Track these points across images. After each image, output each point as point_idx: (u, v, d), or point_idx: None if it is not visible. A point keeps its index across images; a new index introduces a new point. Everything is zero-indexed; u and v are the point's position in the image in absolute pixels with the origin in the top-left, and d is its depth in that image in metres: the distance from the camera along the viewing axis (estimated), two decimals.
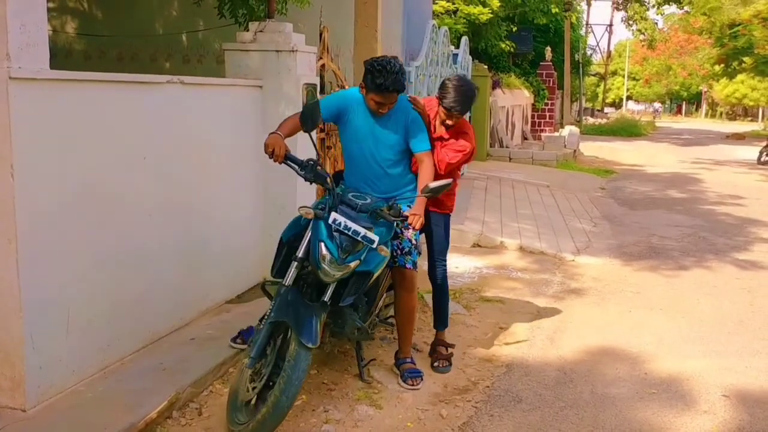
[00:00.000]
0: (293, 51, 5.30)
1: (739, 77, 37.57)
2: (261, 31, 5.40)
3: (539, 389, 4.09)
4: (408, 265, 4.06)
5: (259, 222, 5.38)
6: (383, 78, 3.76)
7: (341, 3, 6.56)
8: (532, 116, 22.94)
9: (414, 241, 4.07)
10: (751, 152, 20.83)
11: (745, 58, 21.10)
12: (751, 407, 3.93)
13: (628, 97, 68.47)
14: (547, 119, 23.17)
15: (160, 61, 7.50)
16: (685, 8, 21.22)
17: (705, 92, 61.39)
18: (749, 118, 56.41)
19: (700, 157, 20.25)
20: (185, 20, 7.25)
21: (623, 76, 65.16)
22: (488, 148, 16.24)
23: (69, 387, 3.53)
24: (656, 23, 28.25)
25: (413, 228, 3.80)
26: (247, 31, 5.44)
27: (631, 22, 27.39)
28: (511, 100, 19.31)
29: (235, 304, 5.09)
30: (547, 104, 22.94)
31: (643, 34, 27.81)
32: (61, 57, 7.78)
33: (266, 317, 3.52)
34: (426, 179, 3.91)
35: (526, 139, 21.66)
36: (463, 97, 4.06)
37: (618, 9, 27.33)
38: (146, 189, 4.07)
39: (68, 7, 7.83)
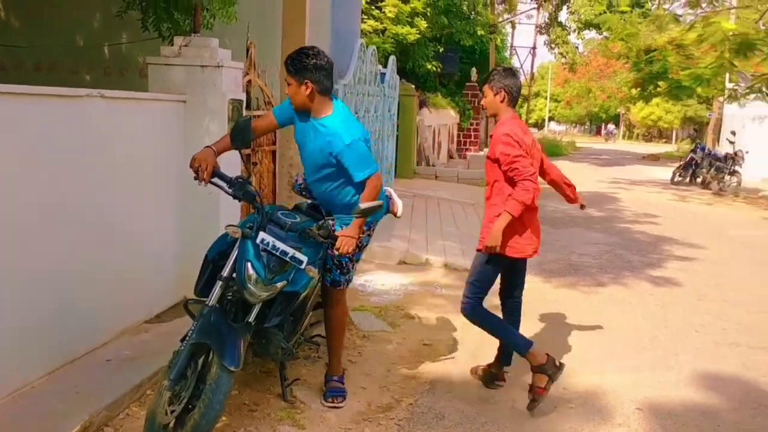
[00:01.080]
0: (219, 66, 5.25)
1: (655, 100, 39.23)
2: (186, 46, 5.32)
3: (462, 406, 4.14)
4: (327, 281, 4.07)
5: (181, 240, 5.28)
6: (289, 57, 3.81)
7: (269, 20, 6.55)
8: (458, 135, 23.32)
9: (338, 261, 4.01)
10: (665, 173, 21.75)
11: (660, 83, 21.96)
12: (662, 419, 4.09)
13: (550, 118, 70.47)
14: (473, 139, 23.59)
15: (80, 73, 7.28)
16: (605, 33, 22.01)
17: (623, 114, 63.70)
18: (664, 140, 58.83)
19: (618, 177, 21.00)
20: (108, 32, 7.09)
21: (546, 98, 67.03)
22: (415, 166, 16.43)
23: None
24: (577, 47, 29.30)
25: (338, 251, 3.72)
26: (172, 45, 5.36)
27: (553, 46, 28.31)
28: (438, 119, 19.59)
29: (154, 324, 4.96)
30: (472, 124, 23.36)
31: (565, 57, 28.77)
32: None
33: (187, 338, 3.44)
34: (364, 200, 3.82)
35: (452, 157, 21.99)
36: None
37: (541, 33, 28.21)
38: (61, 205, 3.94)
39: None
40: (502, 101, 4.15)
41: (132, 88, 5.58)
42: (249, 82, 6.22)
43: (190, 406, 3.28)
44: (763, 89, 16.69)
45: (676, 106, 43.96)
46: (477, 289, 4.29)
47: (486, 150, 20.28)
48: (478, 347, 5.18)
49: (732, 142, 19.17)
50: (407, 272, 7.34)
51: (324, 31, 7.08)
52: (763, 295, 7.12)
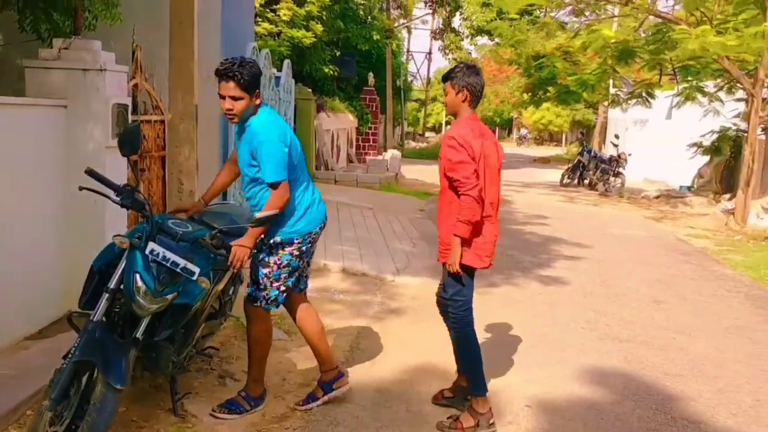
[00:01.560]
0: (102, 70, 5.06)
1: (545, 105, 40.79)
2: (66, 48, 5.10)
3: (357, 411, 4.15)
4: (246, 294, 4.06)
5: (65, 250, 5.04)
6: (221, 64, 3.71)
7: (156, 22, 6.36)
8: (357, 140, 23.41)
9: (254, 276, 3.97)
10: (555, 175, 22.60)
11: (549, 88, 22.80)
12: (550, 415, 4.24)
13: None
14: (371, 143, 23.75)
15: None
16: (496, 40, 22.67)
17: (516, 118, 65.80)
18: (554, 143, 61.15)
19: (510, 180, 21.62)
20: None
21: (443, 102, 68.27)
22: (314, 170, 16.37)
23: None
24: (470, 53, 30.03)
25: (231, 263, 3.65)
26: (51, 48, 5.12)
27: (447, 51, 28.90)
28: (336, 123, 19.60)
29: (35, 339, 4.72)
30: (371, 128, 23.51)
31: (457, 62, 29.39)
32: None
33: (70, 355, 3.28)
34: (267, 208, 3.75)
35: (351, 162, 22.05)
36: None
37: (435, 38, 28.75)
38: None
39: None
40: (464, 100, 3.94)
41: (11, 93, 5.29)
42: (136, 86, 6.03)
43: (73, 427, 3.13)
44: (643, 94, 17.66)
45: (566, 110, 45.84)
46: (462, 303, 4.06)
47: (391, 153, 20.50)
48: (374, 352, 5.22)
49: (615, 145, 20.15)
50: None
51: (214, 34, 6.96)
52: (642, 291, 7.53)
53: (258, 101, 3.78)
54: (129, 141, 3.49)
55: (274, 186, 3.72)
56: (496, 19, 16.80)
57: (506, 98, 56.72)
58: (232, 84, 3.64)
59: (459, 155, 3.81)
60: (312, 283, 7.30)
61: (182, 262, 3.37)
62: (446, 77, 4.00)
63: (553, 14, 15.02)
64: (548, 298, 7.07)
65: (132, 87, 5.93)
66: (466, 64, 4.06)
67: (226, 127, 7.67)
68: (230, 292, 4.64)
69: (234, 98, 3.68)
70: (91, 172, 3.49)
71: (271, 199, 3.74)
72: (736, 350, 5.72)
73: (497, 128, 76.10)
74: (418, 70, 38.00)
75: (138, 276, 3.29)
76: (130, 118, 5.64)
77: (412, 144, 38.65)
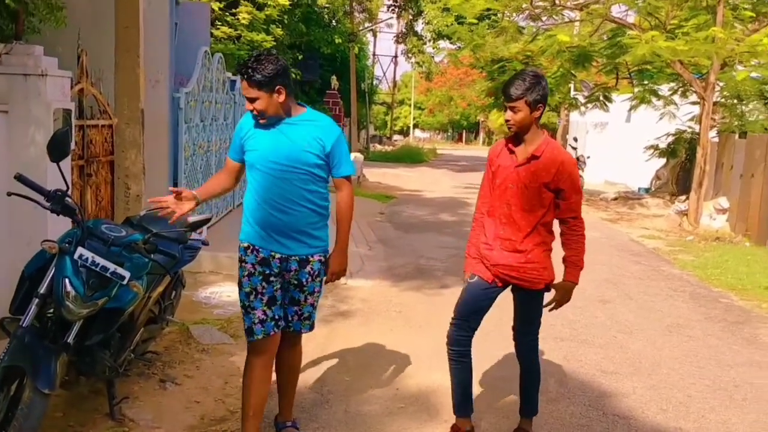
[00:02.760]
0: (43, 75, 5.04)
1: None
2: (7, 53, 5.08)
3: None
4: (304, 330, 3.77)
5: (6, 258, 5.01)
6: (244, 65, 3.44)
7: (102, 27, 6.34)
8: None
9: (315, 304, 3.76)
10: None
11: None
12: (483, 412, 4.33)
13: (415, 125, 72.22)
14: None
15: None
16: (458, 44, 22.85)
17: (482, 122, 66.30)
18: None
19: (473, 183, 21.82)
20: None
21: (410, 106, 68.59)
22: None
23: None
24: (433, 57, 30.29)
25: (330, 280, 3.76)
26: None
27: (410, 55, 29.08)
28: None
29: None
30: None
31: (421, 66, 29.68)
32: None
33: (0, 361, 3.29)
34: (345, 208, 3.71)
35: None
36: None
37: (399, 42, 28.92)
38: None
39: None
40: (539, 117, 3.58)
41: None
42: (81, 90, 6.01)
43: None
44: (601, 98, 17.95)
45: None
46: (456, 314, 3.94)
47: (354, 156, 20.55)
48: (319, 354, 5.27)
49: (574, 148, 20.45)
50: None
51: (163, 39, 6.96)
52: (588, 290, 7.67)
53: (281, 98, 3.41)
54: (58, 146, 3.49)
55: (349, 179, 3.67)
56: (454, 24, 16.92)
57: (473, 102, 57.26)
58: (245, 83, 3.45)
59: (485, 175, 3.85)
60: None
61: (112, 266, 3.39)
62: (512, 94, 3.51)
63: (510, 19, 15.19)
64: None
65: (78, 92, 5.91)
66: (537, 75, 3.58)
67: (175, 130, 7.67)
68: (171, 296, 4.67)
69: (250, 99, 3.46)
70: (20, 178, 3.50)
71: (347, 197, 3.66)
72: (674, 348, 5.89)
73: (464, 131, 76.83)
74: (384, 74, 38.14)
75: (67, 281, 3.30)
76: (75, 122, 5.64)
77: (378, 147, 38.73)
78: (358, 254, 9.05)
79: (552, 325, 6.26)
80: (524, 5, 14.24)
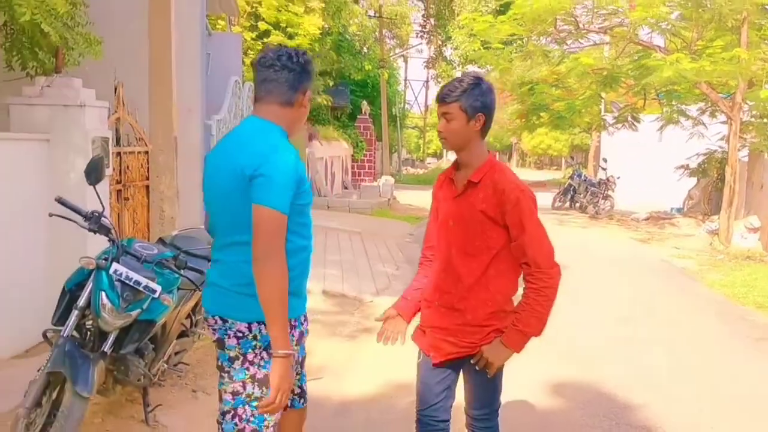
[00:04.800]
0: (82, 106, 5.40)
1: (542, 130, 41.27)
2: (48, 86, 5.45)
3: (315, 422, 4.37)
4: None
5: (50, 275, 5.33)
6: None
7: (137, 60, 6.72)
8: (353, 167, 23.82)
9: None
10: (549, 198, 22.87)
11: (543, 114, 23.14)
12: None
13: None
14: (367, 169, 24.16)
15: None
16: (488, 68, 23.09)
17: (515, 144, 66.28)
18: (554, 167, 61.51)
19: None
20: None
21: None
22: None
23: None
24: None
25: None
26: (33, 86, 5.47)
27: (439, 80, 29.41)
28: (330, 151, 20.00)
29: (22, 358, 5.00)
30: (365, 155, 23.93)
31: None
32: None
33: (43, 367, 3.57)
34: None
35: (346, 188, 22.43)
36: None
37: (428, 67, 29.34)
38: None
39: None
40: (480, 129, 2.84)
41: (1, 127, 5.65)
42: (118, 119, 6.37)
43: None
44: (629, 118, 18.00)
45: (564, 134, 46.21)
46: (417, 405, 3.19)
47: (384, 179, 20.84)
48: (344, 368, 5.48)
49: (604, 169, 20.47)
50: None
51: (195, 71, 7.33)
52: (612, 308, 7.78)
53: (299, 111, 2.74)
54: (93, 171, 3.79)
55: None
56: (481, 49, 17.19)
57: (505, 124, 57.40)
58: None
59: (537, 215, 2.85)
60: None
61: (144, 281, 3.66)
62: (446, 96, 2.82)
63: (536, 42, 15.41)
64: None
65: (115, 120, 6.28)
66: (477, 77, 2.87)
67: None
68: (202, 311, 4.93)
69: None
70: (60, 200, 3.81)
71: None
72: (693, 362, 5.97)
73: (497, 153, 76.98)
74: (416, 98, 38.63)
75: (103, 294, 3.58)
76: (113, 149, 5.99)
77: (411, 170, 39.05)
78: (384, 274, 9.27)
79: (570, 342, 6.40)
80: (549, 29, 14.43)
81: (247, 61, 16.08)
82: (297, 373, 2.93)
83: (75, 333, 3.71)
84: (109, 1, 7.21)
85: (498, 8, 19.74)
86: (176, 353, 4.68)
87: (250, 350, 2.58)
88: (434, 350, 2.94)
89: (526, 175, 48.92)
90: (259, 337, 2.57)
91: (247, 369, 2.58)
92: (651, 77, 13.31)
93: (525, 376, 5.34)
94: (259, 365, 2.58)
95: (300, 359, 2.94)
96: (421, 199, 22.51)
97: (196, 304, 4.70)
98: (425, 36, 28.45)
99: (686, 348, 6.42)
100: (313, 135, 18.34)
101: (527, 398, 4.94)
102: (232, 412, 2.65)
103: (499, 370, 2.90)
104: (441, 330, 2.90)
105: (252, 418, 2.62)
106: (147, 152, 6.80)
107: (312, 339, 6.14)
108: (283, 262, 2.45)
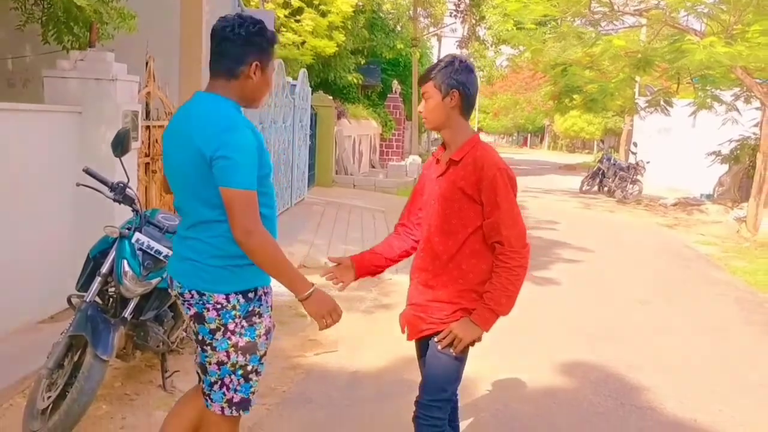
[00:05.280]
0: (113, 80, 5.55)
1: (574, 112, 40.87)
2: (81, 60, 5.61)
3: (330, 391, 4.56)
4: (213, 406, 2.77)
5: (76, 243, 5.52)
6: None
7: (168, 35, 6.86)
8: (381, 146, 23.87)
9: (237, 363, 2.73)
10: (578, 182, 22.75)
11: (575, 96, 22.89)
12: (507, 398, 4.60)
13: (479, 129, 72.11)
14: (395, 149, 24.19)
15: None
16: (519, 48, 22.92)
17: (548, 126, 65.67)
18: (586, 150, 60.86)
19: (530, 186, 21.87)
20: (12, 44, 7.27)
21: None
22: (334, 175, 16.87)
23: None
24: (494, 61, 30.42)
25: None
26: (68, 59, 5.64)
27: (472, 60, 29.09)
28: (358, 129, 20.06)
29: (47, 323, 5.21)
30: (394, 134, 23.95)
31: (482, 71, 29.80)
32: None
33: (66, 330, 3.76)
34: None
35: (374, 167, 22.50)
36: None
37: (460, 47, 29.10)
38: None
39: None
40: (454, 107, 2.82)
41: (35, 100, 5.84)
42: (149, 93, 6.53)
43: (66, 393, 3.59)
44: (662, 102, 17.78)
45: (597, 117, 45.66)
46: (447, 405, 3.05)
47: (411, 159, 20.88)
48: (359, 341, 5.62)
49: (634, 153, 20.29)
50: (306, 275, 7.69)
51: None
52: (630, 292, 7.80)
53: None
54: (120, 143, 3.93)
55: None
56: (514, 29, 17.05)
57: (538, 106, 56.81)
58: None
59: (514, 195, 2.79)
60: (311, 280, 7.66)
61: (165, 250, 3.82)
62: (423, 77, 2.88)
63: (570, 24, 15.24)
64: (534, 296, 7.35)
65: (145, 95, 6.44)
66: (453, 57, 2.91)
67: None
68: None
69: None
70: (87, 171, 3.98)
71: None
72: (706, 348, 6.00)
73: (529, 135, 76.27)
74: None
75: (125, 262, 3.75)
76: (142, 123, 6.16)
77: None
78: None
79: (585, 324, 6.47)
80: (584, 11, 14.27)
81: (281, 38, 16.22)
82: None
83: (98, 299, 3.89)
84: None
85: None
86: None
87: (230, 320, 2.63)
88: (410, 327, 3.00)
89: (557, 157, 48.66)
90: (238, 307, 2.63)
91: (229, 339, 2.64)
92: (683, 60, 13.11)
93: (535, 353, 5.45)
94: (241, 334, 2.64)
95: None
96: None
97: None
98: (459, 15, 28.29)
99: (702, 333, 6.44)
100: (342, 113, 18.42)
101: (536, 375, 5.03)
102: (219, 382, 2.69)
103: (464, 352, 2.85)
104: (415, 306, 2.94)
105: (239, 387, 2.70)
106: None
107: None
108: (263, 232, 2.51)
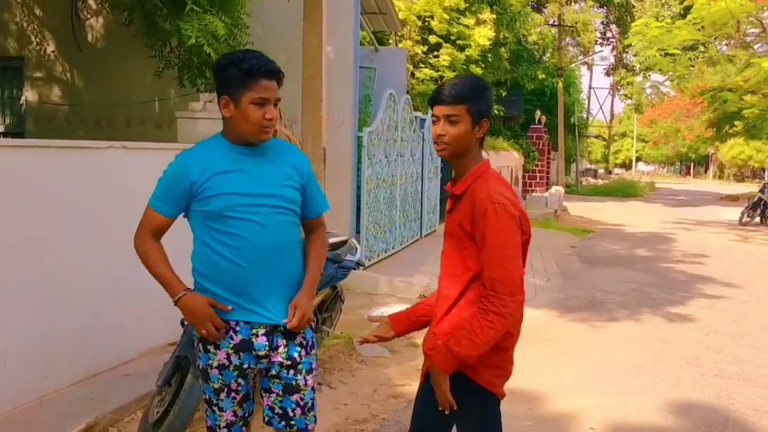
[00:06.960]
0: None
1: (740, 140, 38.30)
2: (210, 101, 6.08)
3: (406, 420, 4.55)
4: (311, 425, 2.83)
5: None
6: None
7: (293, 76, 7.25)
8: (524, 177, 23.55)
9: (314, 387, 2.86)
10: (737, 213, 21.21)
11: (737, 122, 21.62)
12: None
13: (638, 159, 69.21)
14: (539, 180, 23.77)
15: (133, 126, 8.23)
16: (670, 74, 21.98)
17: (712, 154, 61.89)
18: (757, 180, 56.70)
19: (685, 218, 20.67)
20: (157, 89, 8.00)
21: (632, 138, 65.86)
22: None
23: (3, 412, 4.07)
24: (643, 88, 29.24)
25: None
26: (198, 101, 6.14)
27: (618, 87, 28.23)
28: (496, 161, 19.94)
29: (174, 345, 5.61)
30: (537, 165, 23.58)
31: (630, 98, 28.73)
32: (44, 122, 8.59)
33: (174, 351, 4.06)
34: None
35: None
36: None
37: (608, 74, 28.31)
38: (85, 238, 4.67)
39: (54, 77, 8.65)
40: (481, 136, 2.50)
41: (171, 139, 6.41)
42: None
43: (170, 408, 3.87)
44: None
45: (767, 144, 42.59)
46: None
47: (554, 190, 20.43)
48: None
49: None
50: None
51: (346, 85, 7.79)
52: (763, 332, 7.18)
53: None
54: None
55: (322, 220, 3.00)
56: (657, 55, 16.34)
57: (701, 133, 53.75)
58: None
59: (511, 234, 2.38)
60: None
61: None
62: (453, 96, 2.44)
63: (718, 47, 14.45)
64: (666, 334, 6.98)
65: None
66: (477, 78, 2.61)
67: (358, 166, 8.48)
68: (331, 310, 5.27)
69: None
70: None
71: (322, 239, 2.97)
72: None
73: (693, 164, 72.11)
74: (600, 107, 37.34)
75: None
76: None
77: (591, 181, 37.82)
78: (532, 285, 9.18)
79: (716, 362, 6.03)
80: (733, 33, 13.48)
81: (418, 74, 16.63)
82: (278, 395, 2.75)
83: None
84: (270, 24, 7.87)
85: (680, 12, 18.65)
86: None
87: (195, 339, 2.90)
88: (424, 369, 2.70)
89: (721, 187, 45.62)
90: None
91: (198, 357, 2.87)
92: None
93: (651, 393, 5.17)
94: (199, 356, 2.86)
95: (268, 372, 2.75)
96: (595, 211, 21.83)
97: (323, 302, 5.05)
98: (605, 43, 27.60)
99: None
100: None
101: (646, 416, 4.75)
102: None
103: (466, 412, 2.54)
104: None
105: (207, 412, 2.87)
106: None
107: None
108: (141, 243, 2.82)
